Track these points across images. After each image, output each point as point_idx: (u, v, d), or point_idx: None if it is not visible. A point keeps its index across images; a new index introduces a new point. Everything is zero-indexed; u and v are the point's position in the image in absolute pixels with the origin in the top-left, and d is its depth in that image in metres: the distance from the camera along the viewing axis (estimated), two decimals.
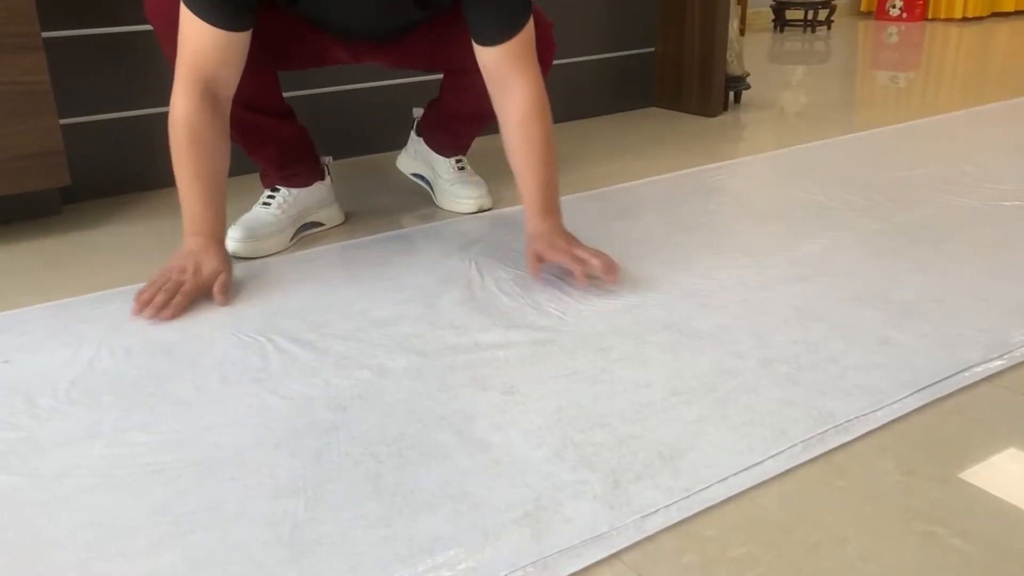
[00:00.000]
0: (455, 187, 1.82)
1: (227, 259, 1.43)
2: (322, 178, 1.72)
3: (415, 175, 1.93)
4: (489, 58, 1.42)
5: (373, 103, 2.27)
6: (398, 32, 1.57)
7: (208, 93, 1.37)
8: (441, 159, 1.85)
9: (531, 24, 1.42)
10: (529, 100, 1.42)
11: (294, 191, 1.65)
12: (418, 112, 1.90)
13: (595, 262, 1.38)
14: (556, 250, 1.40)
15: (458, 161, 1.86)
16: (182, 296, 1.34)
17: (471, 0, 1.39)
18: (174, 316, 1.32)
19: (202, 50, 1.34)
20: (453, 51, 1.58)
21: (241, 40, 1.36)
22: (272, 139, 1.60)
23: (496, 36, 1.40)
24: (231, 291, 1.40)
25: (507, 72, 1.42)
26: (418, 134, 1.88)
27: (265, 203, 1.64)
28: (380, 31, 1.56)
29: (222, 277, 1.38)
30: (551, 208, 1.46)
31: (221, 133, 1.41)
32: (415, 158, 1.91)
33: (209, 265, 1.39)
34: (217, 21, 1.32)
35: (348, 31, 1.56)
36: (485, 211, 1.81)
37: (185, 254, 1.39)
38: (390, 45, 1.61)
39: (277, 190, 1.65)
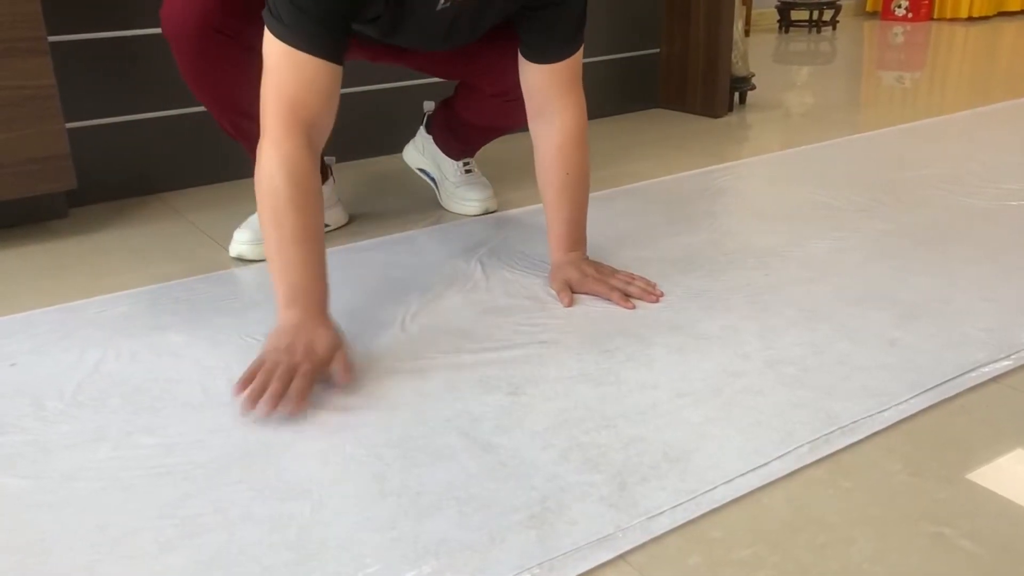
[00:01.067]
0: (461, 189, 1.83)
1: (340, 332, 1.17)
2: (325, 179, 1.72)
3: (420, 170, 1.92)
4: (536, 76, 1.37)
5: (377, 106, 2.27)
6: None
7: (310, 141, 1.19)
8: (448, 160, 1.85)
9: (581, 51, 1.39)
10: (571, 127, 1.39)
11: None
12: (429, 106, 1.88)
13: (633, 289, 1.37)
14: (590, 280, 1.37)
15: (465, 164, 1.85)
16: (301, 379, 1.06)
17: (527, 16, 1.34)
18: (299, 408, 1.04)
19: (305, 88, 1.17)
20: (469, 68, 1.57)
21: (340, 76, 1.21)
22: None
23: (548, 55, 1.36)
24: (354, 369, 1.14)
25: (552, 94, 1.38)
26: (428, 131, 1.87)
27: None
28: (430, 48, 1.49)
29: (341, 352, 1.13)
30: (579, 241, 1.43)
31: (320, 191, 1.21)
32: (422, 153, 1.89)
33: (323, 340, 1.12)
34: (324, 52, 1.16)
35: (399, 49, 1.50)
36: (491, 213, 1.82)
37: (288, 330, 1.12)
38: (409, 53, 1.57)
39: None
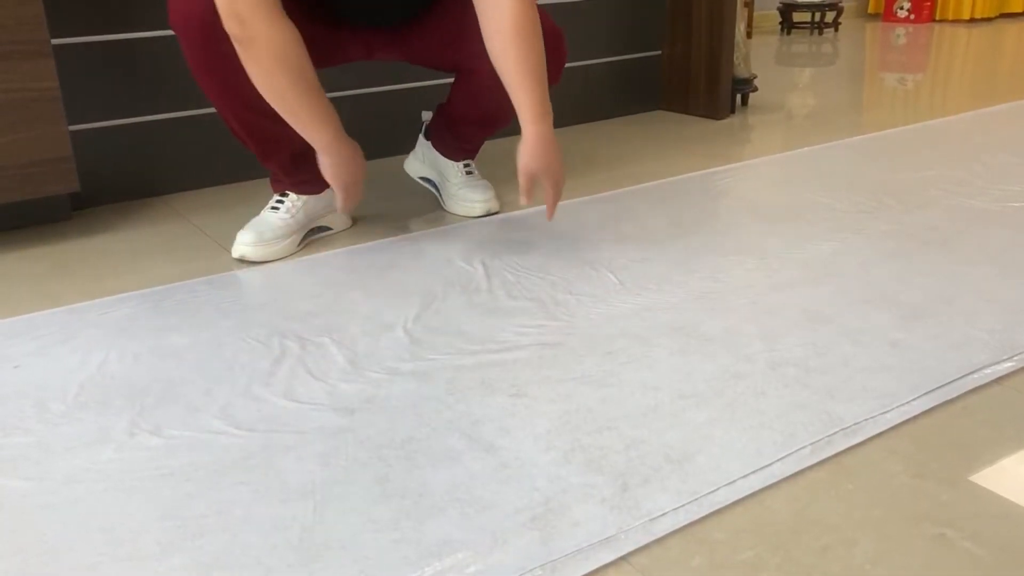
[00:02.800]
0: (463, 191, 1.83)
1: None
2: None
3: (423, 179, 1.94)
4: None
5: (380, 108, 2.27)
6: (407, 15, 1.59)
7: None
8: (449, 163, 1.86)
9: None
10: (516, 13, 1.43)
11: (304, 197, 1.66)
12: (427, 115, 1.91)
13: (548, 198, 1.53)
14: (550, 178, 1.50)
15: (466, 165, 1.86)
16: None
17: None
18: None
19: None
20: (462, 51, 1.60)
21: None
22: (287, 146, 1.61)
23: None
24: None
25: None
26: (427, 138, 1.90)
27: (274, 207, 1.64)
28: (389, 14, 1.58)
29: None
30: (544, 110, 1.49)
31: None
32: (423, 162, 1.92)
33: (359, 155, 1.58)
34: None
35: (359, 15, 1.58)
36: (493, 215, 1.82)
37: (351, 156, 1.55)
38: (402, 39, 1.64)
39: (286, 195, 1.65)
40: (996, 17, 5.28)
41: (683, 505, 0.89)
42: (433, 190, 1.91)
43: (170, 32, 1.93)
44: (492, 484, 0.93)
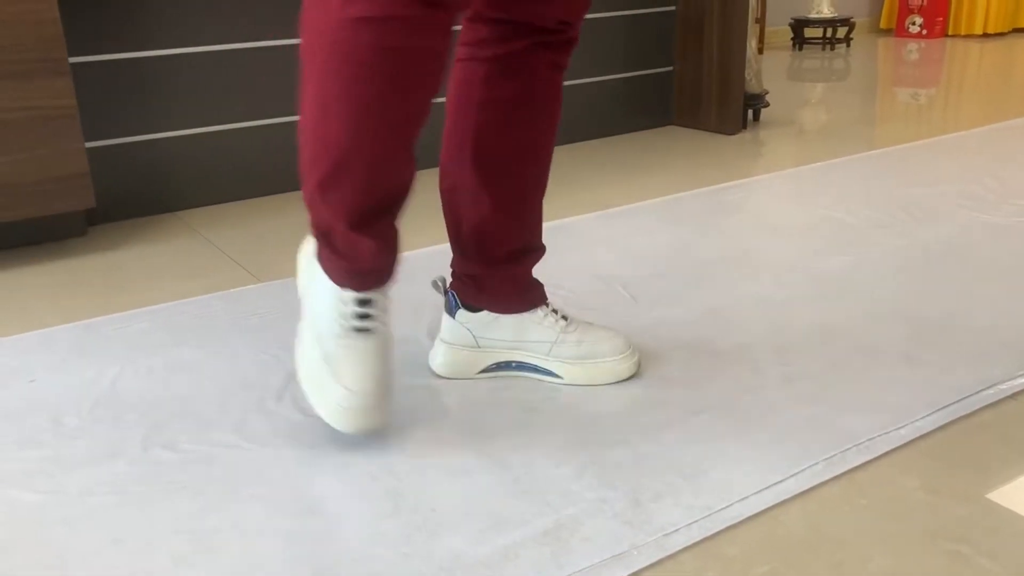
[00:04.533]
0: (582, 347, 1.15)
1: None
2: None
3: (483, 372, 1.18)
4: None
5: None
6: None
7: None
8: (521, 318, 1.15)
9: None
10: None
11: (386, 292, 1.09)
12: (440, 280, 1.21)
13: None
14: None
15: (550, 313, 1.16)
16: None
17: None
18: None
19: None
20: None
21: None
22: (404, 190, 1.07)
23: None
24: None
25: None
26: (465, 305, 1.17)
27: (362, 329, 1.04)
28: None
29: None
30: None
31: None
32: (463, 343, 1.18)
33: None
34: None
35: None
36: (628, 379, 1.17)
37: None
38: None
39: (368, 301, 1.05)
40: (1009, 32, 5.27)
41: (696, 521, 0.89)
42: (518, 373, 1.18)
43: (185, 50, 1.95)
44: (504, 499, 0.93)
